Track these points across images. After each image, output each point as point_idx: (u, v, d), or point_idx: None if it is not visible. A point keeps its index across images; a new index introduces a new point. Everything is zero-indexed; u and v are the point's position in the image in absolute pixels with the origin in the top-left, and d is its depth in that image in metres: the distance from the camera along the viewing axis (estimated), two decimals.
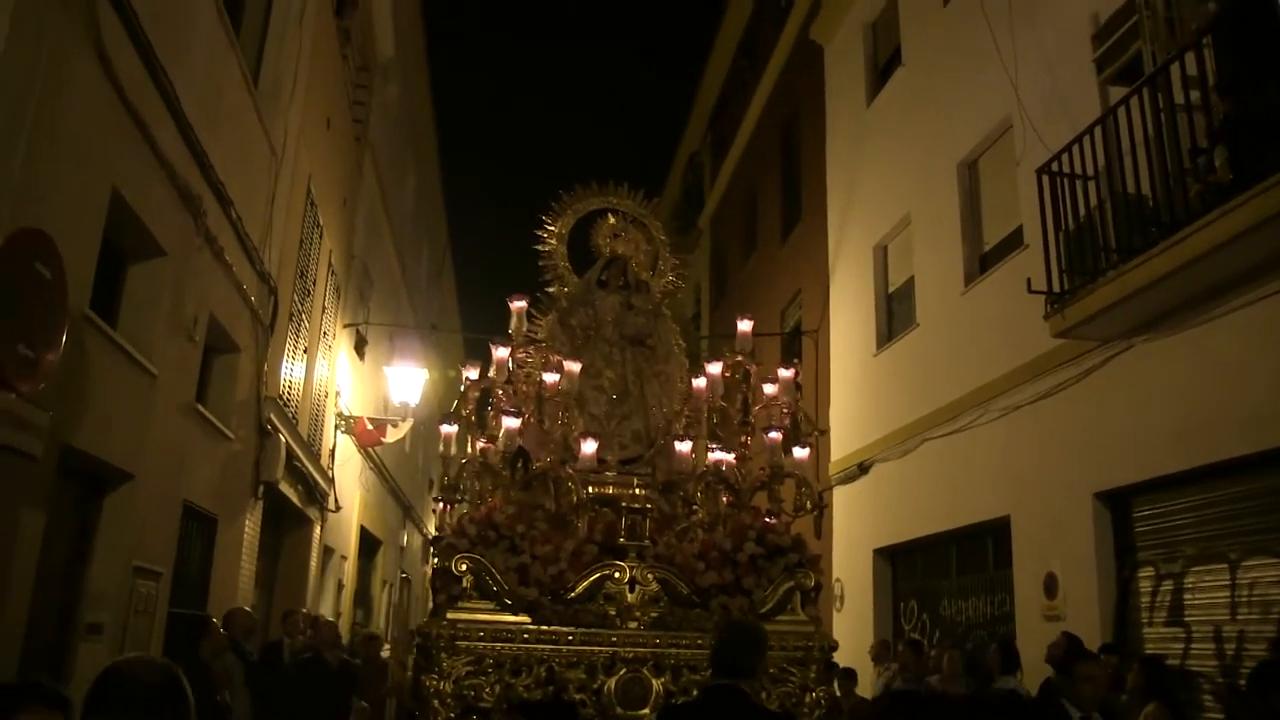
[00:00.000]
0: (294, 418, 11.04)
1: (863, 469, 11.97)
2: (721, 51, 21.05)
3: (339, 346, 13.90)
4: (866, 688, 9.61)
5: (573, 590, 5.10)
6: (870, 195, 12.56)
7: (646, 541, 5.28)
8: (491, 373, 5.87)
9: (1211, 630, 6.58)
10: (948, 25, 10.66)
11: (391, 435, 14.09)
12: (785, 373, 5.99)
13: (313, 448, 12.23)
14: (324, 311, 12.72)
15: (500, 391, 5.85)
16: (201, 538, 8.49)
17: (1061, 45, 8.40)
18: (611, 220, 6.64)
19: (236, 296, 8.65)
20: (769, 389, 5.99)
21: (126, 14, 5.68)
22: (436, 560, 5.19)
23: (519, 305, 6.09)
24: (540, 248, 6.51)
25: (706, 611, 5.18)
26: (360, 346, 15.26)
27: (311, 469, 11.78)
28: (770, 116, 17.48)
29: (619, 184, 6.67)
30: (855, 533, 12.08)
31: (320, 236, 12.12)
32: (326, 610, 13.25)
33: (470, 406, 5.90)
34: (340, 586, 14.94)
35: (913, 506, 10.64)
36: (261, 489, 9.90)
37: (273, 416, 9.85)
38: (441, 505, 5.77)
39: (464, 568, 5.01)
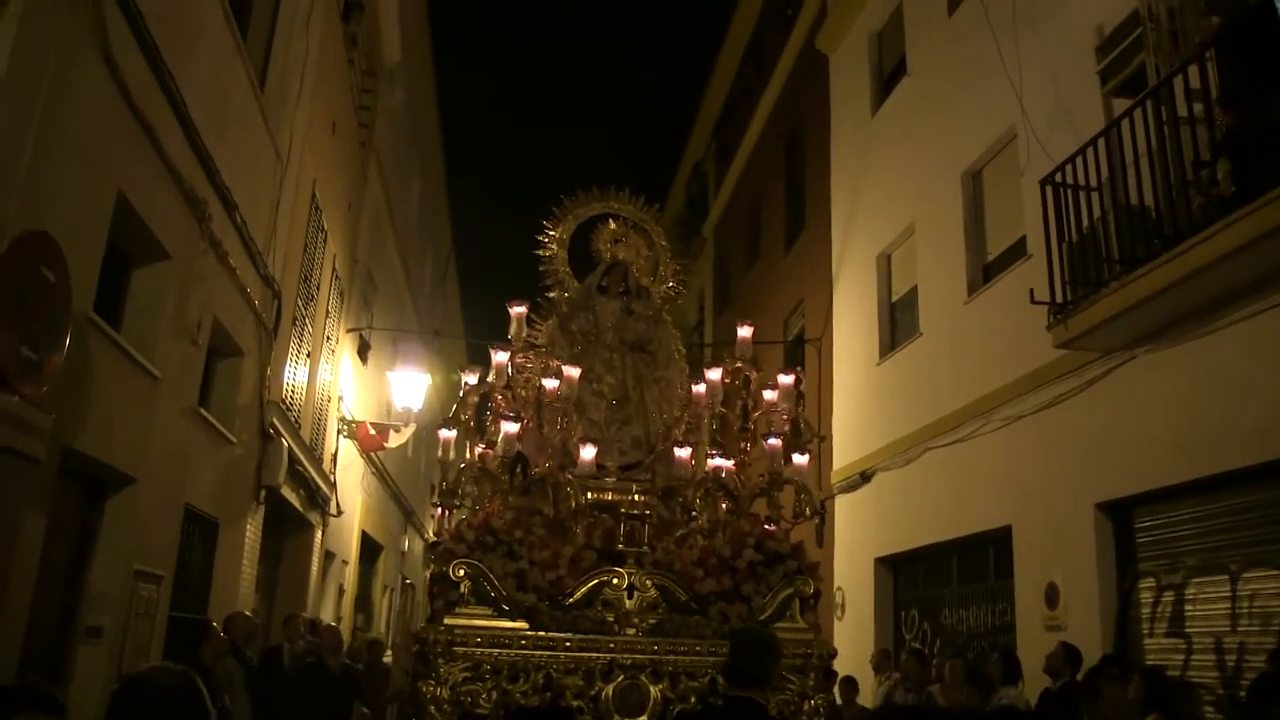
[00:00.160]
0: (296, 422, 11.06)
1: (865, 478, 11.96)
2: (727, 60, 21.10)
3: (342, 351, 13.92)
4: (868, 697, 9.60)
5: (571, 596, 5.09)
6: (874, 204, 12.57)
7: (645, 548, 5.26)
8: (490, 378, 5.87)
9: (1212, 641, 6.57)
10: (953, 35, 10.68)
11: (394, 440, 14.10)
12: (785, 378, 5.98)
13: (315, 452, 12.24)
14: (327, 316, 12.74)
15: (499, 396, 5.86)
16: (203, 541, 8.50)
17: (1066, 56, 8.41)
18: (612, 225, 6.64)
19: (240, 300, 8.67)
20: (769, 395, 5.98)
21: (134, 18, 5.71)
22: (434, 566, 5.18)
23: (518, 310, 6.09)
24: (541, 253, 6.51)
25: (705, 618, 5.17)
26: (363, 351, 15.29)
27: (313, 473, 11.80)
28: (775, 125, 17.50)
29: (620, 189, 6.67)
30: (857, 541, 12.06)
31: (324, 241, 12.15)
32: (327, 615, 13.26)
33: (469, 411, 5.90)
34: (341, 591, 14.94)
35: (914, 515, 10.63)
36: (263, 493, 9.91)
37: (275, 420, 9.87)
38: (440, 510, 5.77)
39: (461, 573, 5.01)
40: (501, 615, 4.99)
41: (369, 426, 13.96)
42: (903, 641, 10.96)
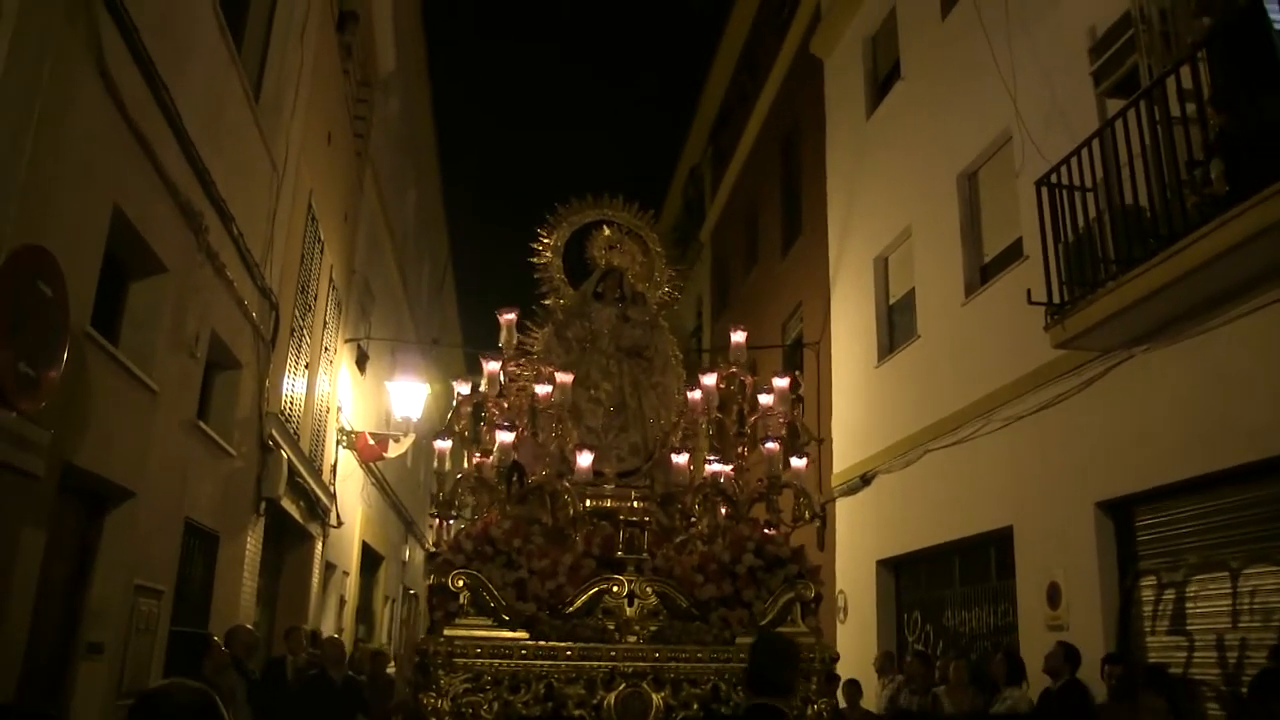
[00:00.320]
0: (295, 433, 11.05)
1: (865, 480, 11.96)
2: (722, 66, 21.13)
3: (340, 362, 13.92)
4: (871, 700, 9.59)
5: (571, 605, 5.08)
6: (871, 207, 12.59)
7: (645, 555, 5.25)
8: (483, 386, 5.86)
9: (1214, 638, 6.57)
10: (947, 38, 10.70)
11: (393, 450, 14.10)
12: (780, 382, 5.97)
13: (314, 463, 12.23)
14: (325, 327, 12.74)
15: (492, 405, 5.84)
16: (203, 555, 8.48)
17: (1059, 58, 8.43)
18: (607, 232, 6.64)
19: (238, 312, 8.67)
20: (765, 399, 5.98)
21: (128, 31, 5.72)
22: (433, 577, 5.17)
23: (508, 318, 6.08)
24: (535, 260, 6.51)
25: (706, 625, 5.17)
26: (362, 361, 15.28)
27: (313, 485, 11.78)
28: (771, 130, 17.53)
29: (615, 196, 6.67)
30: (858, 544, 12.06)
31: (321, 252, 12.15)
32: (329, 626, 13.24)
33: (463, 421, 5.89)
34: (342, 602, 14.92)
35: (915, 517, 10.63)
36: (263, 505, 9.90)
37: (274, 432, 9.86)
38: (437, 521, 5.76)
39: (460, 584, 4.99)
40: (501, 625, 4.98)
41: (368, 437, 13.96)
42: (905, 644, 10.95)
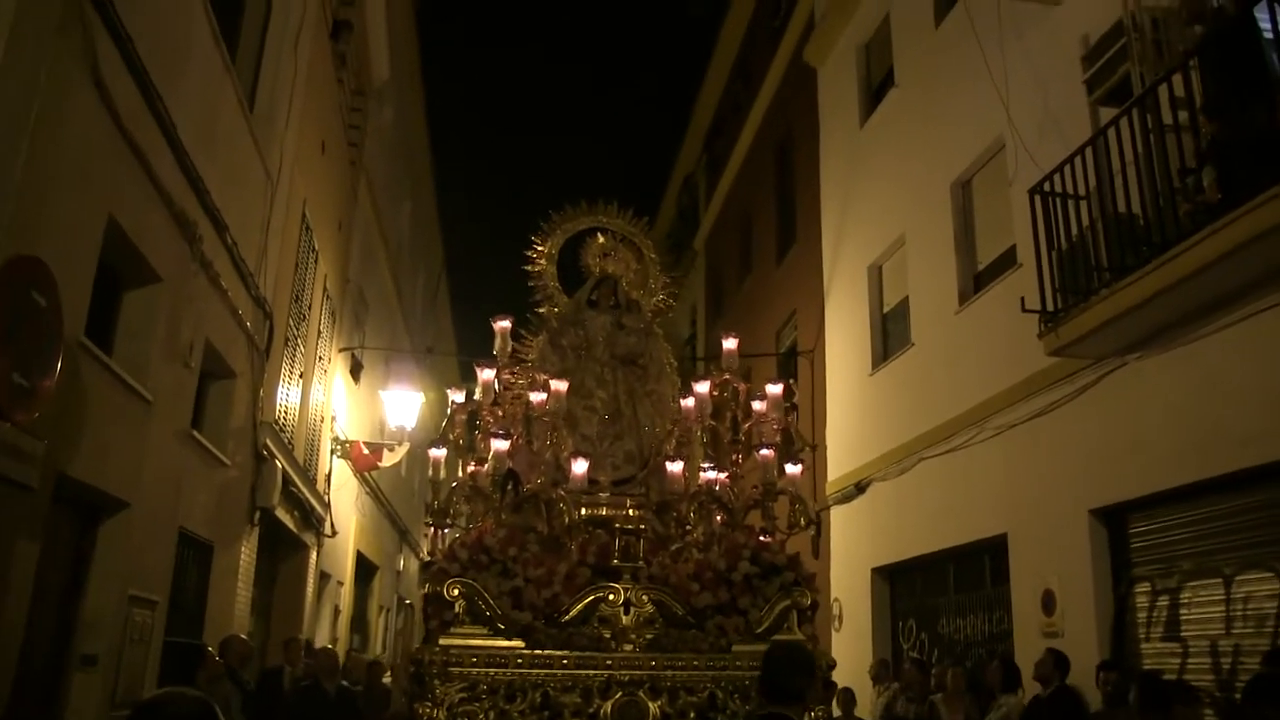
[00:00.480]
0: (290, 443, 11.03)
1: (860, 488, 11.96)
2: (716, 74, 21.19)
3: (335, 371, 13.90)
4: (866, 708, 9.58)
5: (567, 613, 5.08)
6: (864, 216, 12.61)
7: (640, 563, 5.26)
8: (478, 394, 5.86)
9: (1207, 645, 6.58)
10: (940, 46, 10.74)
11: (388, 459, 14.07)
12: (774, 388, 5.98)
13: (309, 473, 12.21)
14: (319, 336, 12.73)
15: (487, 414, 5.84)
16: (197, 565, 8.46)
17: (1052, 66, 8.46)
18: (601, 239, 6.65)
19: (232, 322, 8.66)
20: (758, 406, 5.98)
21: (123, 41, 5.72)
22: (428, 586, 5.16)
23: (502, 326, 6.08)
24: (530, 268, 6.52)
25: (702, 632, 5.17)
26: (356, 371, 15.26)
27: (307, 494, 11.76)
28: (765, 138, 17.57)
29: (608, 203, 6.68)
30: (853, 552, 12.05)
31: (315, 261, 12.15)
32: (323, 636, 13.19)
33: (458, 429, 5.89)
34: (336, 612, 14.88)
35: (910, 525, 10.63)
36: (257, 515, 9.87)
37: (269, 442, 9.84)
38: (432, 530, 5.75)
39: (456, 593, 4.99)
40: (497, 634, 4.98)
41: (362, 446, 13.94)
42: (901, 651, 10.95)
